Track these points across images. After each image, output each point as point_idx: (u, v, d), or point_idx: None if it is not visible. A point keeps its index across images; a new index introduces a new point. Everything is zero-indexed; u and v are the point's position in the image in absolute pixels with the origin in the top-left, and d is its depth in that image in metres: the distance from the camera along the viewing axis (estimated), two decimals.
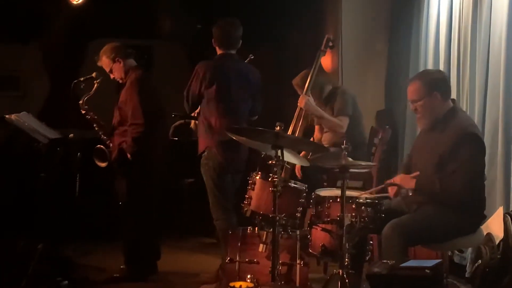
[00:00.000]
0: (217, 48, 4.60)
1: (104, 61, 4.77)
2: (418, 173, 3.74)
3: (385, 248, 3.65)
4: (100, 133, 4.83)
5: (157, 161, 4.78)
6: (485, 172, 4.33)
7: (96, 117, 4.80)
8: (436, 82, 3.78)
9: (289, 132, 5.01)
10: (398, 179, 3.82)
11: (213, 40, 4.59)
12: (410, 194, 3.81)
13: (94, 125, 4.81)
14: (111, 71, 4.79)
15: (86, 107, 4.77)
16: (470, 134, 3.67)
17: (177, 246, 5.79)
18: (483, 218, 3.83)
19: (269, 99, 8.73)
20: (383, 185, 3.91)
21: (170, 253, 5.28)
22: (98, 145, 4.81)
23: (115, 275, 4.75)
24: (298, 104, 4.98)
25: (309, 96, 4.96)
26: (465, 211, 3.68)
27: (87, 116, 4.79)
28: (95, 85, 4.75)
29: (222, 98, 4.47)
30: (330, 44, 5.04)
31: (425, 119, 3.80)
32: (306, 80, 4.99)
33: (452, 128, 3.69)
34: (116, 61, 4.73)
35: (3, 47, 7.67)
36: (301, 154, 4.36)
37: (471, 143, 3.66)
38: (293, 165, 4.82)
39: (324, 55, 5.06)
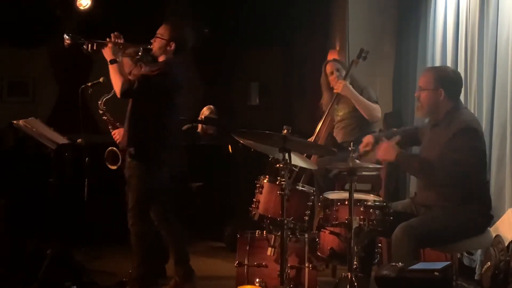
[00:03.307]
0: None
1: (126, 62, 4.76)
2: (398, 138, 3.87)
3: (395, 251, 3.65)
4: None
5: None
6: (493, 174, 4.36)
7: (112, 118, 4.79)
8: (446, 80, 3.83)
9: (313, 137, 5.04)
10: (380, 148, 3.87)
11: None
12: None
13: (109, 127, 4.79)
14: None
15: (104, 107, 4.76)
16: (469, 128, 3.72)
17: None
18: (490, 218, 3.83)
19: (278, 101, 8.82)
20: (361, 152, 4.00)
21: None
22: (111, 147, 4.82)
23: (124, 279, 4.74)
24: (335, 90, 5.05)
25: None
26: (472, 205, 3.71)
27: (103, 117, 4.77)
28: None
29: None
30: (364, 55, 5.09)
31: (423, 109, 3.90)
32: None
33: (456, 123, 3.74)
34: (137, 66, 4.76)
35: (12, 53, 7.71)
36: None
37: (469, 136, 3.70)
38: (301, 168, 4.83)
39: (357, 65, 5.11)
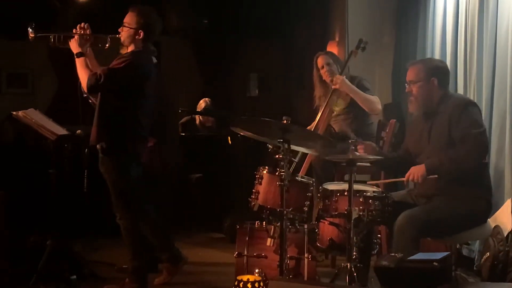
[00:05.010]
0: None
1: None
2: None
3: (397, 239, 3.67)
4: None
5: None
6: (492, 165, 4.37)
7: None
8: (437, 69, 3.90)
9: (312, 127, 5.03)
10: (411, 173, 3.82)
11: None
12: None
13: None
14: None
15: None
16: (468, 101, 3.85)
17: (185, 241, 5.80)
18: (491, 205, 3.85)
19: (277, 92, 8.82)
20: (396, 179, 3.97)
21: (178, 248, 5.28)
22: None
23: (124, 266, 4.68)
24: (334, 85, 5.01)
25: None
26: (474, 193, 3.75)
27: (89, 101, 4.74)
28: None
29: None
30: (362, 45, 5.07)
31: (418, 102, 3.91)
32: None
33: (456, 103, 3.80)
34: None
35: (11, 44, 7.70)
36: None
37: (472, 108, 3.79)
38: (300, 159, 4.83)
39: (356, 56, 5.09)
